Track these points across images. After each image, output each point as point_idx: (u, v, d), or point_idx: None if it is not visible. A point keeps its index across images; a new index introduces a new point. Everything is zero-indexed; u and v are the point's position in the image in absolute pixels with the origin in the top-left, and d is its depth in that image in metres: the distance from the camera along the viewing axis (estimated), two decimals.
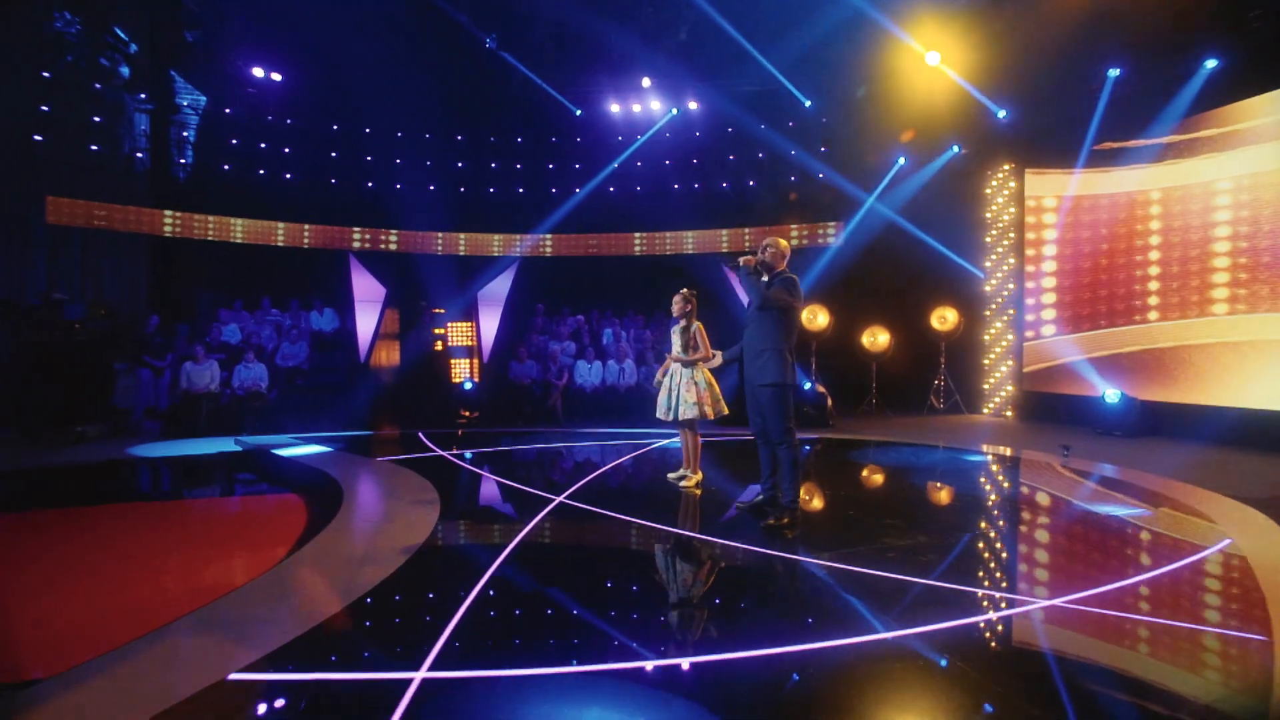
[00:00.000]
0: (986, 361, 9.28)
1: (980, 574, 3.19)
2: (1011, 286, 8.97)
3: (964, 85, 8.14)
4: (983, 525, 4.08)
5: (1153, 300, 7.38)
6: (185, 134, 10.08)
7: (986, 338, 9.29)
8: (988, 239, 9.26)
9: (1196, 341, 6.92)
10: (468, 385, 8.89)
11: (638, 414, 8.03)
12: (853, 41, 8.47)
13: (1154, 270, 7.37)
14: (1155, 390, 7.25)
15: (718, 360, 4.34)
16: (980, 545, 3.65)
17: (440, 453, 6.37)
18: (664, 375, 4.64)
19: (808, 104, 9.93)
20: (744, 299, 4.17)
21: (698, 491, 4.55)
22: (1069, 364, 8.18)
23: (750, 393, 3.83)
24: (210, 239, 9.97)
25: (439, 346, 9.68)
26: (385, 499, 4.53)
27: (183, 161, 10.15)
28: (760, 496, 4.02)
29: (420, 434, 7.37)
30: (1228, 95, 6.51)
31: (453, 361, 9.70)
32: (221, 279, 9.97)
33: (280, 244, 10.39)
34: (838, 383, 9.02)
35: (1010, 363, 8.96)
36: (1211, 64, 6.51)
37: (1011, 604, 2.72)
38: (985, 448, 6.74)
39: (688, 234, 11.27)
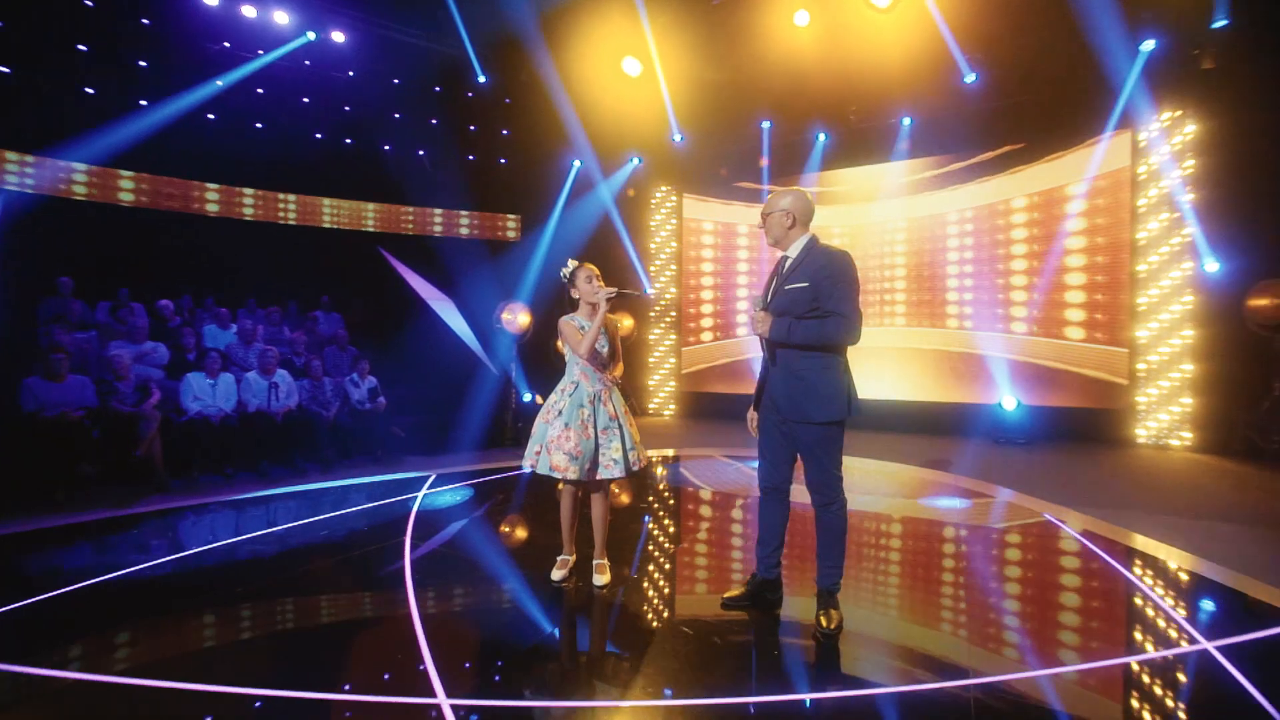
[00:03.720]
0: (651, 361, 10.17)
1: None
2: (674, 292, 10.04)
3: (664, 99, 8.57)
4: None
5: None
6: None
7: (650, 338, 10.17)
8: (652, 246, 10.14)
9: None
10: None
11: (304, 448, 5.67)
12: (552, 29, 7.93)
13: None
14: None
15: (619, 371, 3.17)
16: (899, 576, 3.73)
17: None
18: (566, 406, 2.93)
19: (482, 79, 8.85)
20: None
21: (603, 588, 2.97)
22: (721, 365, 9.69)
23: (781, 430, 2.64)
24: None
25: None
26: None
27: None
28: (759, 576, 2.78)
29: None
30: (836, 163, 8.74)
31: None
32: None
33: None
34: None
35: (672, 362, 10.04)
36: (823, 138, 8.63)
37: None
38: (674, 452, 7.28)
39: (326, 202, 8.64)
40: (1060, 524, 4.05)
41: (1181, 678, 2.22)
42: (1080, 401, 7.31)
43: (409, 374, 7.38)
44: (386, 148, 8.68)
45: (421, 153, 8.94)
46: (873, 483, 5.25)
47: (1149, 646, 2.44)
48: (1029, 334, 7.58)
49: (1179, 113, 6.73)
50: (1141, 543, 3.67)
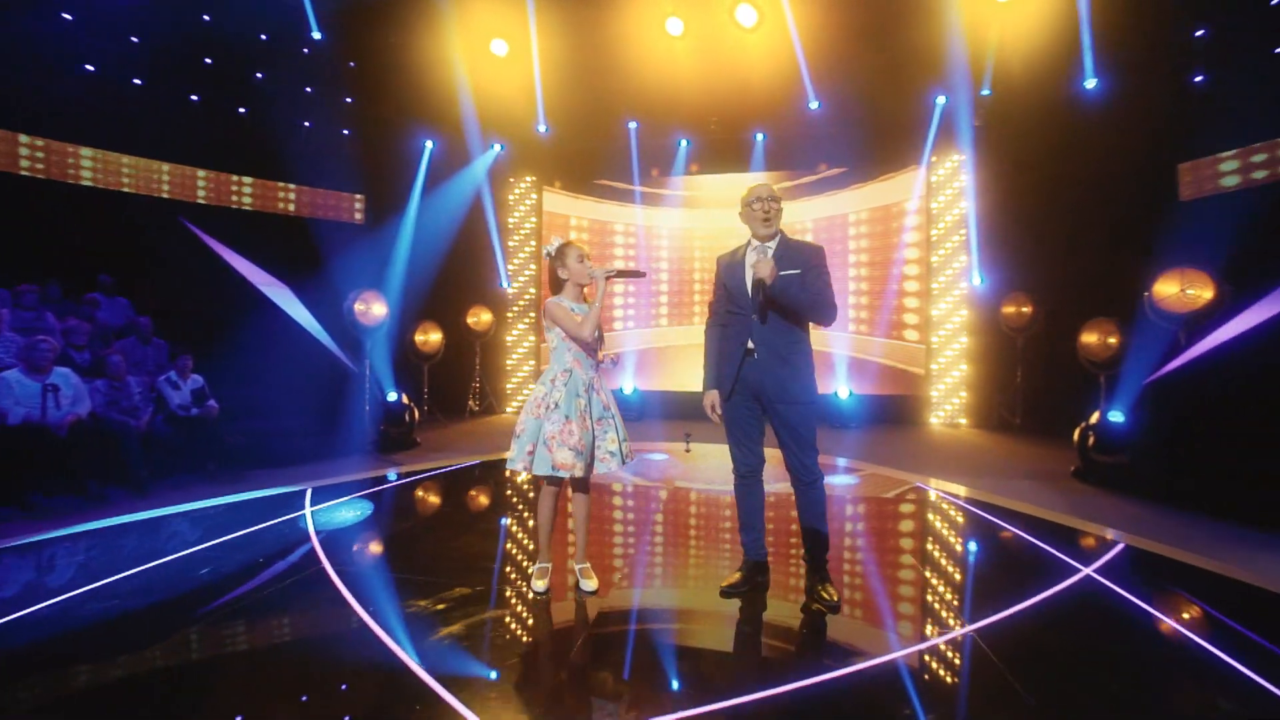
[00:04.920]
0: (509, 363, 9.76)
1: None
2: (533, 292, 9.75)
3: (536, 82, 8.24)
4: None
5: (631, 311, 9.66)
6: None
7: (509, 339, 9.76)
8: (512, 243, 9.73)
9: (678, 344, 9.55)
10: None
11: (102, 468, 4.49)
12: None
13: (632, 286, 9.65)
14: (651, 381, 9.52)
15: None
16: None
17: None
18: (562, 397, 2.69)
19: (318, 36, 7.71)
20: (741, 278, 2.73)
21: (594, 592, 2.80)
22: None
23: (754, 414, 2.71)
24: None
25: None
26: None
27: None
28: (750, 559, 2.84)
29: None
30: (699, 169, 9.21)
31: None
32: None
33: None
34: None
35: (531, 363, 9.75)
36: (685, 143, 9.08)
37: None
38: None
39: (87, 153, 6.81)
40: (927, 488, 4.84)
41: (1094, 581, 2.84)
42: (893, 390, 8.75)
43: (244, 373, 6.15)
44: (194, 98, 7.09)
45: (243, 110, 7.47)
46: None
47: (1070, 565, 3.06)
48: (858, 333, 8.85)
49: (961, 157, 8.40)
50: (994, 500, 4.54)
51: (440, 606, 2.69)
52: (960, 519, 4.15)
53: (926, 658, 2.28)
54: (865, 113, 8.15)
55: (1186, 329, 5.83)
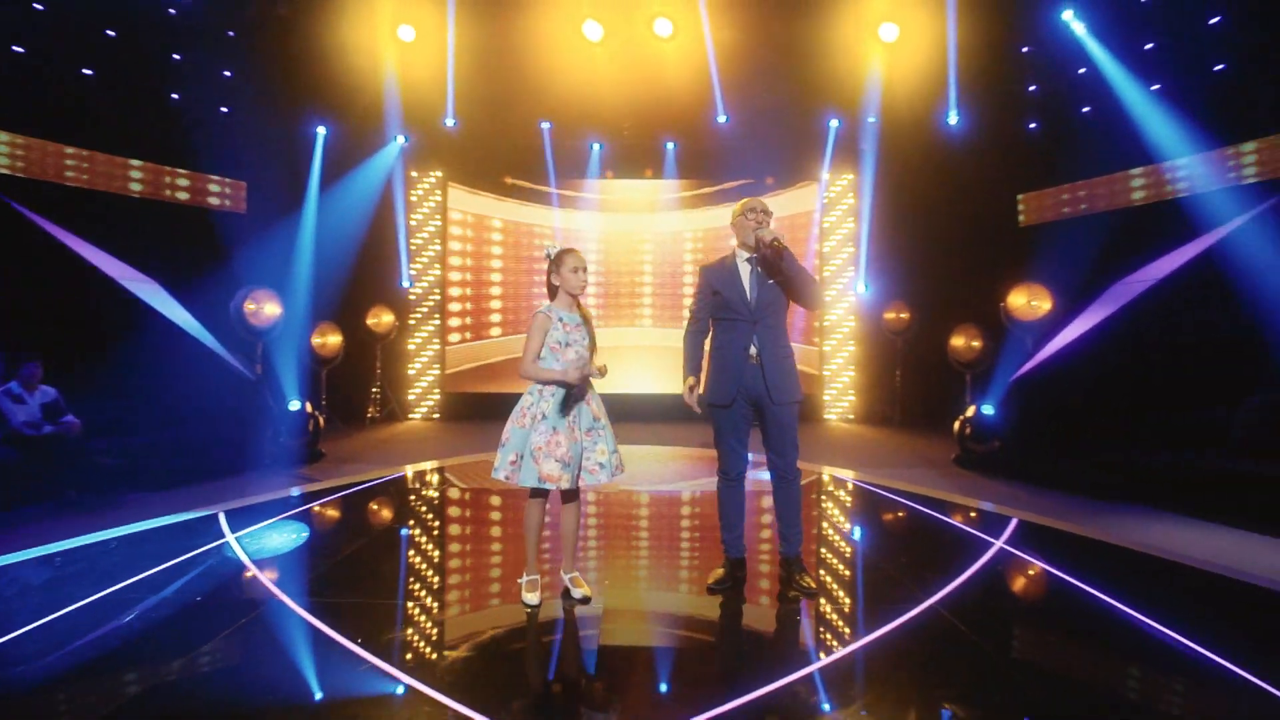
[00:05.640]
0: (413, 370, 9.19)
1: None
2: (437, 295, 9.26)
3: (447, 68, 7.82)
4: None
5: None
6: None
7: (412, 345, 9.20)
8: (415, 242, 9.19)
9: (601, 345, 9.51)
10: None
11: None
12: None
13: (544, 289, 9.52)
14: None
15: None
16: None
17: None
18: (550, 406, 2.66)
19: None
20: (744, 284, 2.83)
21: (587, 600, 2.76)
22: (487, 365, 9.35)
23: (746, 416, 2.86)
24: None
25: None
26: None
27: None
28: (732, 556, 2.97)
29: None
30: (612, 173, 9.27)
31: None
32: None
33: None
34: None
35: (437, 368, 9.26)
36: (598, 147, 9.13)
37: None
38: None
39: None
40: (842, 477, 5.33)
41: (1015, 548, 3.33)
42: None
43: (111, 383, 5.27)
44: (18, 50, 5.91)
45: (89, 72, 6.35)
46: (679, 467, 5.93)
47: (984, 540, 3.53)
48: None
49: (852, 177, 9.27)
50: (901, 486, 5.10)
51: (435, 631, 2.55)
52: (880, 504, 4.63)
53: (909, 630, 2.56)
54: (769, 129, 8.71)
55: (1033, 335, 6.93)
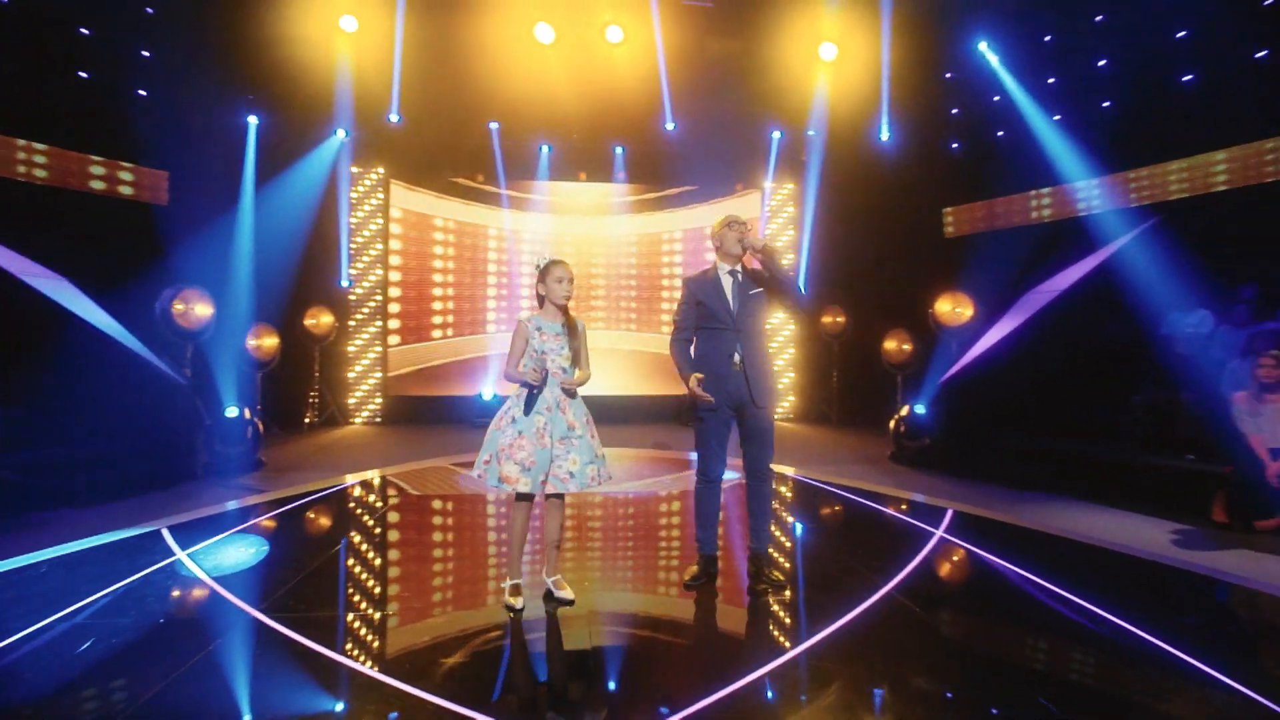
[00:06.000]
0: (352, 374, 8.84)
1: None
2: (379, 297, 8.94)
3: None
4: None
5: (491, 315, 9.43)
6: None
7: (353, 347, 8.85)
8: (357, 242, 8.84)
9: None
10: None
11: None
12: None
13: (491, 290, 9.42)
14: (509, 386, 9.30)
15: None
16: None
17: None
18: (521, 412, 2.75)
19: None
20: (727, 295, 3.00)
21: (572, 602, 2.82)
22: (432, 368, 9.13)
23: (727, 422, 3.00)
24: None
25: None
26: None
27: None
28: (706, 554, 3.10)
29: None
30: (561, 176, 9.25)
31: None
32: None
33: None
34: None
35: (379, 372, 8.95)
36: (547, 149, 9.11)
37: None
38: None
39: None
40: (785, 474, 5.62)
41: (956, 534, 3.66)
42: None
43: (9, 391, 4.81)
44: None
45: None
46: (632, 467, 6.08)
47: (925, 529, 3.85)
48: None
49: (793, 187, 9.70)
50: (844, 481, 5.43)
51: (427, 638, 2.56)
52: (826, 499, 4.93)
53: (872, 615, 2.79)
54: (715, 138, 8.97)
55: (958, 339, 7.52)
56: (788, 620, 2.81)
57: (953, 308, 7.48)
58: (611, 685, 2.23)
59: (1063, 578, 3.13)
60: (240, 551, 3.54)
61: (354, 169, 8.76)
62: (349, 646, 2.44)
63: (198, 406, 5.65)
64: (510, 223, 9.25)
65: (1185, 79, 6.57)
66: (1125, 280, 6.54)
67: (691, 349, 3.11)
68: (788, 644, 2.54)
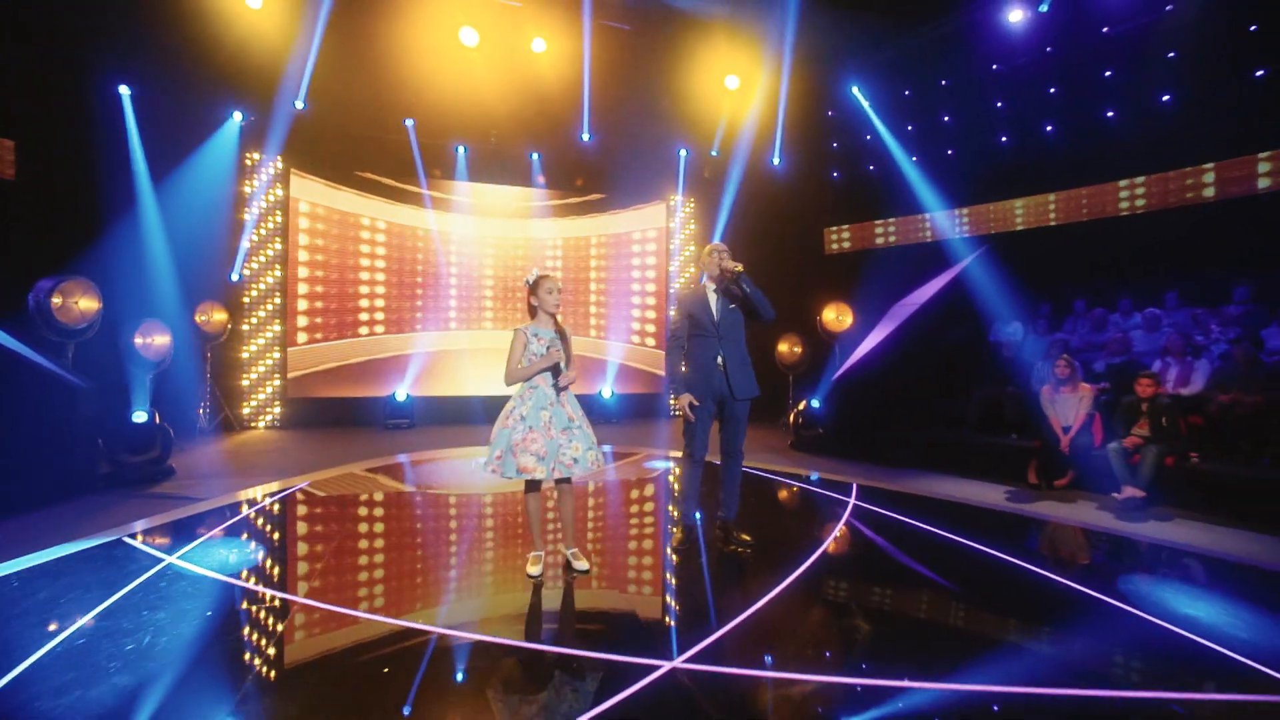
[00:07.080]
0: (248, 380, 8.21)
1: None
2: (278, 300, 8.38)
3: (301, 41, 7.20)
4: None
5: (417, 315, 9.24)
6: None
7: (246, 355, 8.22)
8: (255, 238, 8.23)
9: (466, 348, 9.38)
10: None
11: None
12: None
13: (382, 290, 9.22)
14: (423, 387, 9.12)
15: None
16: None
17: None
18: (528, 409, 3.10)
19: None
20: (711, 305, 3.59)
21: (588, 571, 3.21)
22: (335, 368, 8.75)
23: (709, 410, 3.57)
24: None
25: None
26: None
27: None
28: (687, 523, 3.74)
29: None
30: (480, 177, 9.26)
31: None
32: None
33: None
34: None
35: (278, 377, 8.39)
36: (463, 150, 9.10)
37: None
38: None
39: None
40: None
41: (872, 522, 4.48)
42: (645, 389, 10.39)
43: None
44: None
45: None
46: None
47: (841, 500, 4.64)
48: (623, 340, 10.24)
49: (694, 202, 10.52)
50: (755, 465, 6.20)
51: (458, 594, 2.81)
52: (752, 481, 5.65)
53: (824, 564, 3.46)
54: (628, 151, 9.54)
55: (841, 344, 8.72)
56: (764, 573, 3.40)
57: (836, 315, 8.66)
58: (617, 627, 2.66)
59: (940, 525, 4.08)
60: (230, 554, 3.44)
61: (255, 155, 8.18)
62: (381, 599, 2.63)
63: (98, 412, 5.11)
64: (433, 222, 9.15)
65: (1003, 140, 8.34)
66: (967, 295, 8.07)
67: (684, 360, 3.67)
68: (763, 591, 3.10)
